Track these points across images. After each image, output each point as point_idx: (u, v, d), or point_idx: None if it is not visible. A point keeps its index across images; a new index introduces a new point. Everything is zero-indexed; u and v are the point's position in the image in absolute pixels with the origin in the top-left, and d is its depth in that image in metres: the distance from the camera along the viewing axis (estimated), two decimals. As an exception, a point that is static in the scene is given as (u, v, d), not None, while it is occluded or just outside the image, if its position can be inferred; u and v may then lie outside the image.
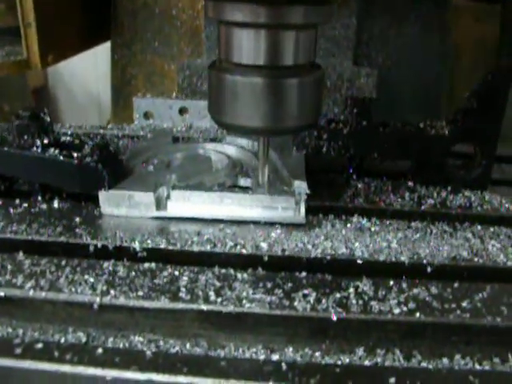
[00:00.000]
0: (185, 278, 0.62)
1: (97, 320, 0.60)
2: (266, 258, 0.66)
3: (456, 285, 0.62)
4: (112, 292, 0.60)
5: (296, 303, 0.58)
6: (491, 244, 0.70)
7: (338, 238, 0.70)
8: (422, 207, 0.78)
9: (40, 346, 0.55)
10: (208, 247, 0.67)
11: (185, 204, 0.74)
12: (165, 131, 0.99)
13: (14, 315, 0.60)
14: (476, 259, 0.67)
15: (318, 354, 0.57)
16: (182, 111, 1.08)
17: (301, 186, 0.76)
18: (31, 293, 0.60)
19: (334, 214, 0.76)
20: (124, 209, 0.74)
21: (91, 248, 0.68)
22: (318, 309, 0.57)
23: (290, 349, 0.58)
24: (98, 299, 0.59)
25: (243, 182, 0.81)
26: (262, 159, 0.75)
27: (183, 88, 1.13)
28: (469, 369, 0.55)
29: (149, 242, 0.68)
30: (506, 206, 0.79)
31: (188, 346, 0.58)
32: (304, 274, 0.63)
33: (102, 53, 1.58)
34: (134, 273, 0.63)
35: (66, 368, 0.52)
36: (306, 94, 0.67)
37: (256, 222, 0.73)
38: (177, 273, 0.63)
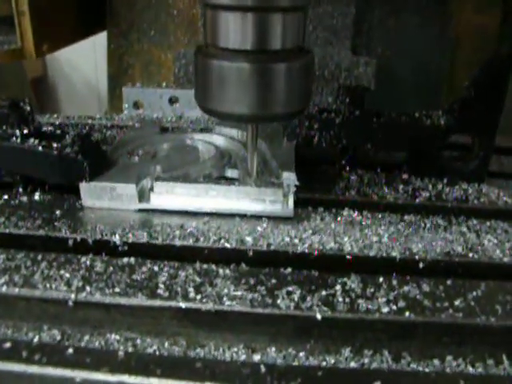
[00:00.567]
0: (164, 274, 0.59)
1: (72, 317, 0.57)
2: (250, 253, 0.63)
3: (449, 282, 0.59)
4: (88, 288, 0.57)
5: (279, 301, 0.55)
6: (487, 239, 0.67)
7: (326, 232, 0.67)
8: (417, 200, 0.75)
9: (8, 345, 0.52)
10: (190, 241, 0.65)
11: (168, 196, 0.71)
12: (153, 121, 0.96)
13: (-15, 312, 0.57)
14: (471, 255, 0.64)
15: (302, 354, 0.55)
16: (173, 101, 1.05)
17: (290, 178, 0.73)
18: (4, 289, 0.57)
19: (324, 207, 0.73)
20: (106, 201, 0.72)
21: (70, 242, 0.65)
22: (302, 307, 0.55)
23: (273, 349, 0.55)
24: (72, 296, 0.56)
25: (230, 173, 0.78)
26: (251, 148, 0.72)
27: (179, 77, 1.11)
28: (460, 371, 0.52)
29: (130, 235, 0.66)
30: (504, 199, 0.76)
31: (166, 344, 0.56)
32: (289, 269, 0.61)
33: (100, 42, 1.56)
34: (111, 268, 0.61)
35: (34, 369, 0.49)
36: (295, 80, 0.65)
37: (242, 215, 0.70)
38: (156, 268, 0.60)
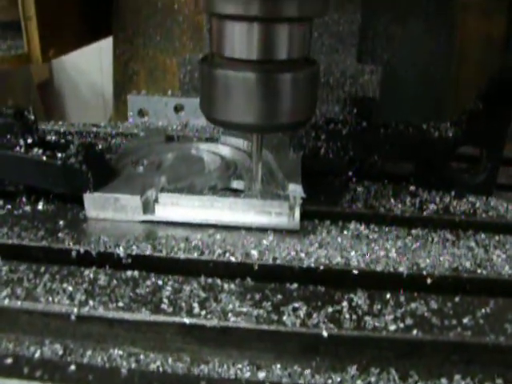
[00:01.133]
0: (168, 288, 0.59)
1: (75, 331, 0.56)
2: (255, 267, 0.62)
3: (457, 299, 0.58)
4: (91, 302, 0.56)
5: (285, 317, 0.54)
6: (496, 254, 0.66)
7: (333, 246, 0.66)
8: (424, 213, 0.74)
9: (10, 361, 0.52)
10: (195, 254, 0.64)
11: (173, 208, 0.71)
12: (158, 130, 0.95)
13: (-13, 326, 0.57)
14: (479, 271, 0.63)
15: (307, 371, 0.54)
16: (178, 109, 1.04)
17: (296, 190, 0.72)
18: (6, 302, 0.57)
19: (331, 220, 0.72)
20: (110, 212, 0.71)
21: (73, 254, 0.65)
22: (308, 324, 0.54)
23: (278, 366, 0.54)
24: (75, 310, 0.56)
25: (236, 184, 0.77)
26: (256, 157, 0.72)
27: (185, 83, 1.10)
28: (469, 391, 0.52)
29: (134, 247, 0.65)
30: (513, 212, 0.75)
31: (170, 360, 0.55)
32: (295, 285, 0.60)
33: (105, 47, 1.56)
34: (115, 281, 0.60)
35: (36, 386, 0.49)
36: (300, 90, 0.64)
37: (248, 228, 0.70)
38: (160, 282, 0.60)
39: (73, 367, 0.51)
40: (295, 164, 0.79)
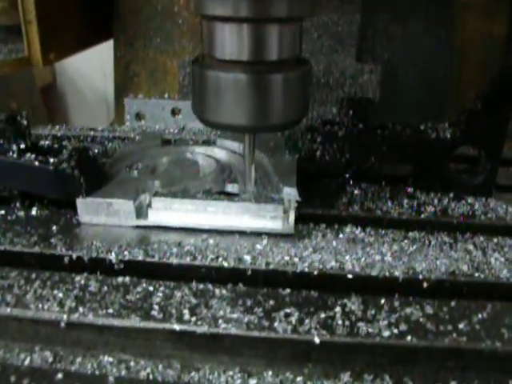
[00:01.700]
0: (159, 294, 0.58)
1: (65, 338, 0.56)
2: (248, 272, 0.61)
3: (453, 303, 0.57)
4: (80, 309, 0.56)
5: (276, 324, 0.54)
6: (494, 257, 0.65)
7: (327, 250, 0.65)
8: (422, 215, 0.73)
9: (-4, 369, 0.51)
10: (187, 259, 0.63)
11: (167, 212, 0.70)
12: (154, 134, 0.95)
13: (-24, 333, 0.56)
14: (477, 274, 0.61)
15: (299, 378, 0.53)
16: (175, 112, 1.04)
17: (291, 193, 0.71)
18: (-4, 309, 0.56)
19: (326, 223, 0.71)
20: (103, 217, 0.70)
21: (66, 260, 0.64)
22: (299, 330, 0.53)
23: (270, 373, 0.53)
24: (65, 317, 0.55)
25: (230, 188, 0.76)
26: (249, 158, 0.71)
27: (184, 85, 1.10)
28: (464, 398, 0.50)
29: (126, 253, 0.64)
30: (513, 214, 0.74)
31: (160, 367, 0.54)
32: (288, 290, 0.59)
33: (108, 51, 1.56)
34: (106, 288, 0.59)
35: (22, 395, 0.48)
36: (292, 90, 0.64)
37: (242, 232, 0.69)
38: (151, 288, 0.59)
39: (60, 375, 0.50)
40: (291, 167, 0.78)
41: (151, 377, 0.53)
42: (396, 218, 0.72)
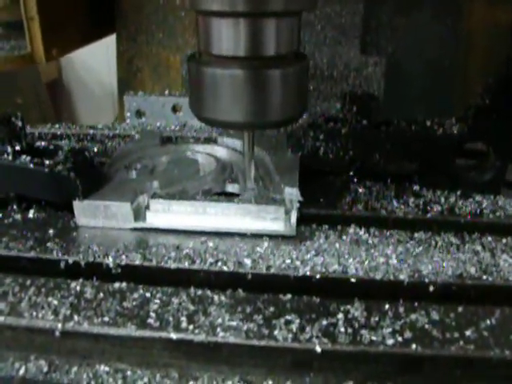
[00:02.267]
0: (156, 301, 0.56)
1: (60, 347, 0.55)
2: (248, 277, 0.60)
3: (460, 309, 0.55)
4: (75, 317, 0.54)
5: (276, 332, 0.52)
6: (503, 259, 0.62)
7: (330, 253, 0.63)
8: (428, 215, 0.71)
9: (-12, 382, 0.50)
10: (186, 264, 0.61)
11: (165, 214, 0.68)
12: (153, 132, 0.93)
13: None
14: (485, 277, 0.59)
15: (300, 388, 0.51)
16: (176, 109, 1.02)
17: (292, 193, 0.69)
18: (-10, 317, 0.55)
19: (329, 224, 0.69)
20: (101, 220, 0.69)
21: (62, 264, 0.62)
22: (300, 339, 0.51)
23: (270, 382, 0.52)
24: (59, 325, 0.53)
25: (231, 188, 0.74)
26: (248, 155, 0.70)
27: (186, 80, 1.08)
28: (472, 409, 0.48)
29: (123, 257, 0.63)
30: (522, 212, 0.71)
31: (158, 377, 0.53)
32: (289, 296, 0.57)
33: (112, 45, 1.54)
34: (102, 294, 0.58)
35: (13, 409, 0.47)
36: (290, 86, 0.63)
37: (242, 234, 0.67)
38: (148, 294, 0.57)
39: (54, 388, 0.49)
40: (293, 165, 0.76)
41: (148, 387, 0.52)
42: (401, 218, 0.70)
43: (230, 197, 0.71)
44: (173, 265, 0.61)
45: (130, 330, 0.53)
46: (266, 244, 0.65)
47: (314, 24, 1.08)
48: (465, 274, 0.60)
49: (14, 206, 0.74)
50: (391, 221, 0.70)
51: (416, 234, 0.68)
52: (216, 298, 0.57)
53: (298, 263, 0.61)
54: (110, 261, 0.62)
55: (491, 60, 0.90)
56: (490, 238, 0.67)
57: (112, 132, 1.00)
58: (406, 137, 0.76)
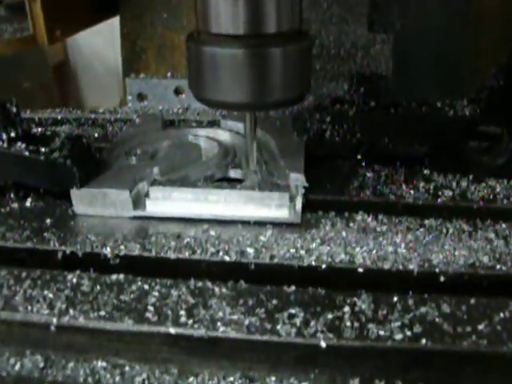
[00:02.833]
0: (155, 294, 0.54)
1: (56, 342, 0.53)
2: (251, 267, 0.57)
3: (472, 301, 0.52)
4: (71, 311, 0.52)
5: (279, 326, 0.49)
6: (517, 247, 0.60)
7: (337, 242, 0.61)
8: (439, 200, 0.68)
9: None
10: (186, 254, 0.59)
11: (165, 202, 0.66)
12: (154, 116, 0.90)
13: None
14: (498, 266, 0.56)
15: (305, 384, 0.49)
16: (178, 91, 0.99)
17: (298, 179, 0.67)
18: (-16, 312, 0.53)
19: (336, 211, 0.67)
20: (99, 208, 0.67)
21: (59, 255, 0.60)
22: (304, 333, 0.49)
23: (273, 378, 0.50)
24: (54, 320, 0.52)
25: (234, 173, 0.72)
26: (250, 136, 0.68)
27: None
28: (485, 406, 0.46)
29: (122, 247, 0.61)
30: (538, 197, 0.68)
31: (157, 372, 0.51)
32: (293, 288, 0.54)
33: (118, 26, 1.52)
34: (98, 287, 0.56)
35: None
36: (292, 65, 0.60)
37: (245, 222, 0.64)
38: (146, 287, 0.55)
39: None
40: (298, 150, 0.73)
41: (147, 382, 0.50)
42: (411, 204, 0.67)
43: (232, 183, 0.68)
44: (173, 255, 0.59)
45: (128, 325, 0.51)
46: (269, 232, 0.63)
47: (320, 2, 1.04)
48: (477, 263, 0.57)
49: (12, 195, 0.72)
50: (400, 207, 0.67)
51: (426, 221, 0.65)
52: (217, 289, 0.54)
53: (302, 252, 0.59)
54: (107, 251, 0.60)
55: (506, 39, 0.86)
56: (504, 225, 0.64)
57: (113, 116, 0.97)
58: (415, 119, 0.73)
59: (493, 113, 0.70)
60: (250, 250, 0.59)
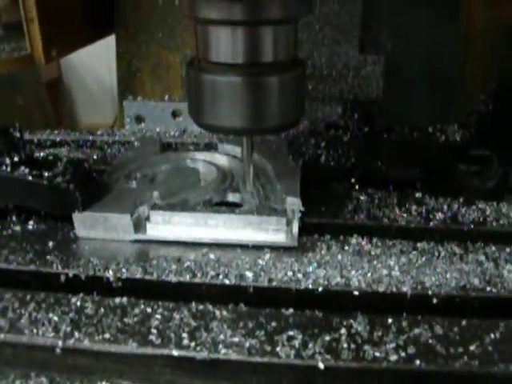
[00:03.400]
0: (157, 317, 0.56)
1: (61, 364, 0.54)
2: (250, 290, 0.59)
3: (464, 322, 0.54)
4: (76, 334, 0.54)
5: (279, 348, 0.51)
6: (507, 269, 0.62)
7: (332, 265, 0.63)
8: (431, 223, 0.70)
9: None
10: (187, 277, 0.61)
11: (165, 226, 0.68)
12: (153, 139, 0.92)
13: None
14: (488, 288, 0.59)
15: (304, 405, 0.50)
16: (176, 114, 1.01)
17: (294, 203, 0.69)
18: (-10, 334, 0.54)
19: (331, 234, 0.69)
20: (101, 231, 0.68)
21: (62, 278, 0.62)
22: (303, 355, 0.50)
23: (273, 399, 0.51)
24: (60, 342, 0.53)
25: (232, 197, 0.74)
26: (247, 160, 0.71)
27: (186, 81, 1.07)
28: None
29: (124, 270, 0.62)
30: (526, 220, 0.71)
31: (160, 394, 0.52)
32: (291, 310, 0.56)
33: (112, 45, 1.54)
34: (102, 310, 0.57)
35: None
36: (288, 92, 0.64)
37: (244, 246, 0.66)
38: (149, 310, 0.57)
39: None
40: (294, 174, 0.75)
41: (150, 404, 0.51)
42: (404, 227, 0.70)
43: (231, 207, 0.70)
44: (174, 278, 0.61)
45: (132, 348, 0.52)
46: (267, 256, 0.64)
47: (312, 23, 1.07)
48: (468, 285, 0.59)
49: (14, 217, 0.73)
50: (394, 230, 0.69)
51: (419, 244, 0.67)
52: (218, 312, 0.56)
53: (299, 276, 0.61)
54: (110, 274, 0.61)
55: (494, 65, 0.89)
56: (493, 248, 0.66)
57: (111, 138, 0.99)
58: (408, 144, 0.75)
59: (483, 137, 0.72)
60: (249, 274, 0.61)
